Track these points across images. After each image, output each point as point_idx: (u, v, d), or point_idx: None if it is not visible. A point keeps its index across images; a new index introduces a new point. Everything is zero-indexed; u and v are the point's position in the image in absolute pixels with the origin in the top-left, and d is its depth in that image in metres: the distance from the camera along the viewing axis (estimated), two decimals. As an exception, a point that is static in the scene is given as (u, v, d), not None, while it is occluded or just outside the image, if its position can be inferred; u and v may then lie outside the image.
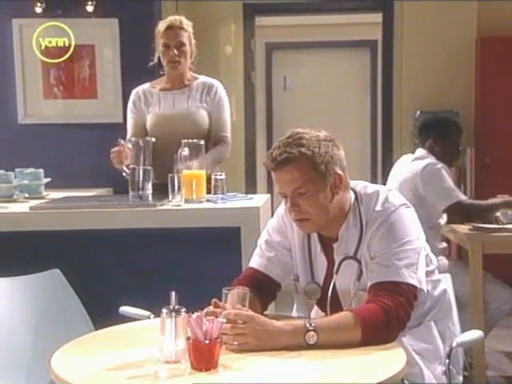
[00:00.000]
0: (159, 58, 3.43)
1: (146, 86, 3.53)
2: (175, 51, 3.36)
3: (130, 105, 3.52)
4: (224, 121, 3.50)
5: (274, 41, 7.38)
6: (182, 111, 3.42)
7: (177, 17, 3.43)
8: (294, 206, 1.97)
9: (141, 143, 2.96)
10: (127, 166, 3.03)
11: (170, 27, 3.36)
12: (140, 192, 2.93)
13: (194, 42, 3.45)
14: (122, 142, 3.15)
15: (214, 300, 1.84)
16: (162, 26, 3.39)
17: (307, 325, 1.77)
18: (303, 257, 2.11)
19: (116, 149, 3.12)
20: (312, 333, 1.76)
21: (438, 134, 3.70)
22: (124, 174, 3.08)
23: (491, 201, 3.69)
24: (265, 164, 2.00)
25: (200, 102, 3.46)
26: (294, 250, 2.12)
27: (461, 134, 3.81)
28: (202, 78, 3.52)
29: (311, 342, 1.76)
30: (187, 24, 3.41)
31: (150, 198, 2.94)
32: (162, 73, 3.49)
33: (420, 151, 3.73)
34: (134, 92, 3.53)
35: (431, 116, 4.26)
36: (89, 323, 2.43)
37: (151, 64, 3.57)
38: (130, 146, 3.06)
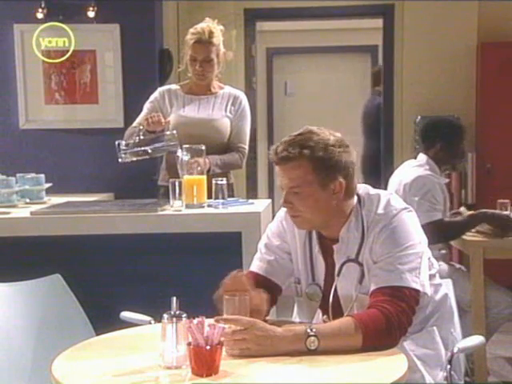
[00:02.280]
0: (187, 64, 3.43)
1: (174, 86, 3.53)
2: (202, 66, 3.35)
3: (149, 100, 3.48)
4: (244, 132, 3.49)
5: (274, 46, 7.40)
6: (205, 117, 3.41)
7: (205, 27, 3.35)
8: (286, 203, 1.99)
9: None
10: (150, 132, 3.10)
11: (198, 41, 3.32)
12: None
13: (222, 51, 3.42)
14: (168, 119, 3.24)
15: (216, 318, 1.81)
16: (190, 37, 3.34)
17: (308, 330, 1.76)
18: (304, 259, 2.10)
19: (160, 118, 3.15)
20: (313, 338, 1.76)
21: (444, 137, 3.62)
22: (140, 134, 3.11)
23: (464, 218, 3.65)
24: (269, 156, 2.00)
25: (225, 111, 3.45)
26: (294, 253, 2.12)
27: (464, 136, 3.76)
28: (228, 89, 3.52)
29: (312, 348, 1.75)
30: (217, 35, 3.37)
31: (154, 203, 2.95)
32: (189, 75, 3.47)
33: (420, 157, 3.68)
34: (159, 89, 3.52)
35: (433, 119, 4.08)
36: (90, 328, 2.43)
37: (180, 70, 3.58)
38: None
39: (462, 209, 3.95)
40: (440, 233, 3.49)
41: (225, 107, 3.45)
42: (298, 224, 2.04)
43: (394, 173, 3.80)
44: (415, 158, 3.80)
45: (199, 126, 3.37)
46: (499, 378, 3.80)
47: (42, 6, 4.61)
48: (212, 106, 3.45)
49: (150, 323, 2.20)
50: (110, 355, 1.84)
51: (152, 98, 3.49)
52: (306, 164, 1.93)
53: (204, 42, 3.32)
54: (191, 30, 3.37)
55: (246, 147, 3.50)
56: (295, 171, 1.94)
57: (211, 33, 3.34)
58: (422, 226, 3.42)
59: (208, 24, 3.36)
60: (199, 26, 3.36)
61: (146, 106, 3.48)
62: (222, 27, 3.41)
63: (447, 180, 3.83)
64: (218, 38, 3.38)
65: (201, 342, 1.63)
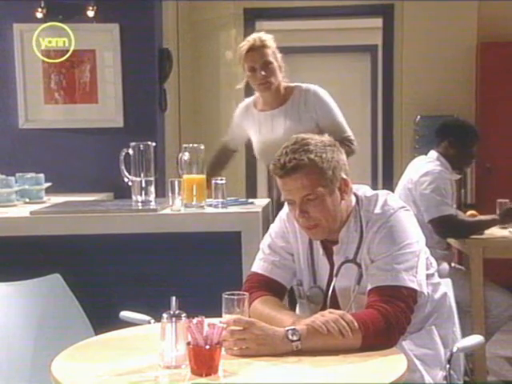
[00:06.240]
0: (247, 82, 3.30)
1: (250, 102, 3.39)
2: (263, 73, 3.19)
3: (234, 115, 3.46)
4: (336, 123, 3.24)
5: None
6: (280, 136, 3.12)
7: (255, 35, 3.25)
8: (302, 213, 1.97)
9: (141, 147, 2.96)
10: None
11: (251, 49, 3.20)
12: (143, 197, 2.93)
13: (279, 55, 3.27)
14: None
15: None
16: (243, 48, 3.23)
17: (289, 336, 1.76)
18: (306, 261, 2.11)
19: None
20: (295, 343, 1.75)
21: (456, 137, 3.65)
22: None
23: (478, 218, 3.69)
24: (272, 171, 1.99)
25: (298, 118, 3.23)
26: (296, 254, 2.13)
27: (478, 140, 3.76)
28: (297, 88, 3.29)
29: (295, 349, 1.75)
30: (268, 39, 3.24)
31: (153, 203, 2.95)
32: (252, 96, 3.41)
33: (431, 154, 3.70)
34: (240, 105, 3.43)
35: (449, 119, 4.12)
36: (89, 328, 2.43)
37: (239, 87, 3.44)
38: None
39: None
40: (451, 228, 3.52)
41: (297, 113, 3.24)
42: (315, 234, 2.03)
43: (406, 169, 3.80)
44: (424, 155, 3.80)
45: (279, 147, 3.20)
46: (499, 378, 3.80)
47: (42, 5, 4.59)
48: (284, 118, 3.24)
49: (150, 323, 2.20)
50: (110, 355, 1.83)
51: (234, 116, 3.45)
52: (315, 168, 1.94)
53: (257, 48, 3.19)
54: (240, 45, 3.26)
55: (348, 133, 3.24)
56: (306, 178, 1.93)
57: (261, 39, 3.22)
58: (433, 220, 3.48)
59: (256, 34, 3.28)
60: (247, 38, 3.27)
61: (232, 125, 3.47)
62: (271, 36, 3.27)
63: (459, 176, 3.83)
64: (271, 42, 3.24)
65: (200, 342, 1.63)
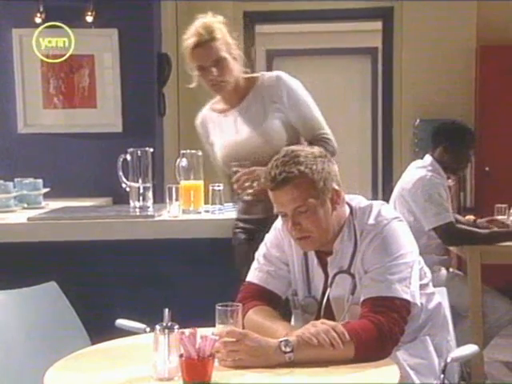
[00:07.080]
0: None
1: (206, 110, 2.85)
2: (214, 72, 2.63)
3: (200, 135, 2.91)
4: (308, 116, 2.70)
5: (274, 48, 7.39)
6: (245, 136, 2.68)
7: (200, 23, 2.62)
8: (295, 225, 1.97)
9: (139, 153, 2.97)
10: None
11: (198, 45, 2.61)
12: (140, 203, 2.95)
13: (232, 42, 2.67)
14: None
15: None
16: (188, 44, 2.63)
17: (282, 347, 1.75)
18: (301, 271, 2.11)
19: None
20: (288, 355, 1.75)
21: (451, 142, 3.60)
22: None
23: (486, 231, 3.61)
24: (263, 184, 2.00)
25: (263, 112, 2.68)
26: (291, 264, 2.12)
27: (474, 143, 3.72)
28: (260, 78, 2.73)
29: (288, 360, 1.74)
30: (217, 28, 2.63)
31: (151, 209, 2.96)
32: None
33: (426, 158, 3.66)
34: (196, 123, 2.91)
35: (445, 121, 3.94)
36: (85, 336, 2.43)
37: (192, 86, 2.79)
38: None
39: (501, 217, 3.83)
40: (452, 236, 3.46)
41: (262, 108, 2.69)
42: (306, 245, 2.03)
43: (402, 177, 3.76)
44: (420, 159, 3.77)
45: (246, 150, 2.66)
46: (496, 382, 3.79)
47: (41, 10, 4.60)
48: (247, 117, 2.70)
49: (145, 331, 2.20)
50: (103, 366, 1.83)
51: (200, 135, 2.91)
52: (306, 180, 1.94)
53: (205, 42, 2.60)
54: (184, 37, 2.65)
55: (326, 131, 2.71)
56: (297, 190, 1.94)
57: (209, 29, 2.61)
58: (434, 229, 3.42)
59: (201, 20, 2.64)
60: (192, 28, 2.64)
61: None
62: (220, 17, 2.67)
63: (452, 183, 3.80)
64: (221, 30, 2.64)
65: (192, 354, 1.63)
